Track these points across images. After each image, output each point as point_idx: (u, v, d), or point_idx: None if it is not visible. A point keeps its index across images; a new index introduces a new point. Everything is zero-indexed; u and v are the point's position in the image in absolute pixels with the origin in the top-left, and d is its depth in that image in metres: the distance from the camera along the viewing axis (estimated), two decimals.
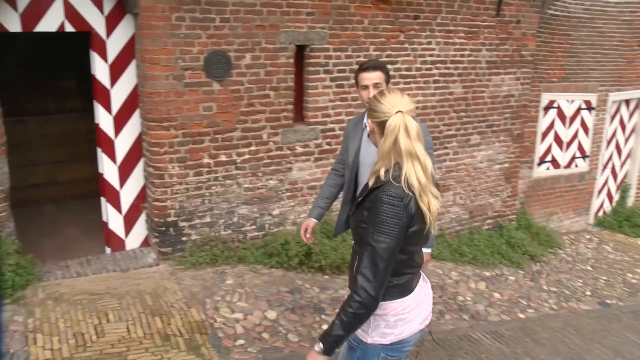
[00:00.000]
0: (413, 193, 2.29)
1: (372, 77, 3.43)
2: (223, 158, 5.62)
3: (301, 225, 3.96)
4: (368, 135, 3.43)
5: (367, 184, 2.47)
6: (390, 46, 6.28)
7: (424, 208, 2.30)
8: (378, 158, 2.38)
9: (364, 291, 2.27)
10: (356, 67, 6.03)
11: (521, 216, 8.43)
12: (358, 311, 2.29)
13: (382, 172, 2.36)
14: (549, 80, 8.54)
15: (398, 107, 2.32)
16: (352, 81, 6.04)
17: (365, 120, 3.56)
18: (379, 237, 2.26)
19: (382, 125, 2.36)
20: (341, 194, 3.86)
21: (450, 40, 6.71)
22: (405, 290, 2.49)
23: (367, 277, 2.27)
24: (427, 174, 2.32)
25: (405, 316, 2.49)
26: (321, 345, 2.35)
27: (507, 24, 7.11)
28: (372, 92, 3.38)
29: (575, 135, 9.14)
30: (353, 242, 2.66)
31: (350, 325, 2.32)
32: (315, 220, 3.84)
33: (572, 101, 8.91)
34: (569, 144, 9.13)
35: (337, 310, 4.98)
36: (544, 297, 6.59)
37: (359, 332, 2.49)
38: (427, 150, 3.53)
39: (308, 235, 3.82)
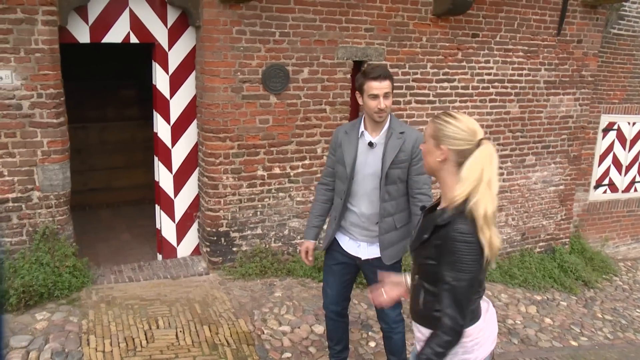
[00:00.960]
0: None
1: (383, 87, 3.32)
2: (277, 171, 5.67)
3: (301, 247, 3.88)
4: (369, 144, 3.43)
5: (427, 218, 2.41)
6: (448, 64, 6.24)
7: (484, 242, 2.20)
8: (461, 190, 2.23)
9: (453, 330, 2.25)
10: (413, 84, 6.06)
11: (575, 240, 8.19)
12: (448, 349, 2.28)
13: (455, 205, 2.25)
14: (609, 102, 8.31)
15: (479, 135, 2.25)
16: (408, 98, 6.08)
17: (362, 129, 3.52)
18: (458, 274, 2.20)
19: (461, 153, 2.25)
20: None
21: (508, 59, 6.62)
22: (476, 315, 2.45)
23: (453, 316, 2.23)
24: (494, 206, 2.21)
25: (480, 339, 2.45)
26: None
27: (568, 43, 6.96)
28: (383, 101, 3.33)
29: (635, 159, 8.85)
30: (414, 275, 2.53)
31: None
32: (314, 242, 3.81)
33: (634, 123, 8.63)
34: (629, 167, 8.84)
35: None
36: (598, 325, 6.37)
37: None
38: (420, 162, 3.47)
39: (310, 258, 3.79)
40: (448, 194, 2.32)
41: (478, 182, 2.19)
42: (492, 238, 2.20)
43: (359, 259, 3.68)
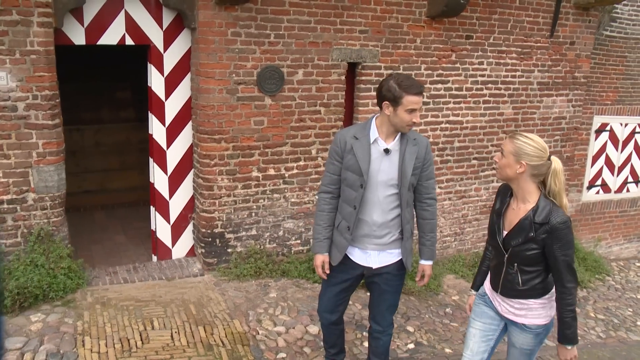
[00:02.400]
0: None
1: (420, 101, 3.30)
2: (272, 172, 5.69)
3: (315, 262, 3.71)
4: (385, 151, 3.43)
5: (522, 219, 2.99)
6: (442, 65, 6.27)
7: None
8: (561, 200, 2.96)
9: (574, 287, 2.94)
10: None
11: None
12: (575, 300, 2.96)
13: (542, 205, 2.95)
14: (602, 103, 8.35)
15: (548, 151, 2.94)
16: None
17: (376, 135, 3.43)
18: (568, 251, 2.91)
19: (536, 167, 2.92)
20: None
21: (502, 61, 6.66)
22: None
23: (572, 279, 2.93)
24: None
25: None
26: (571, 345, 3.01)
27: (561, 45, 7.01)
28: (418, 115, 3.33)
29: (628, 160, 8.90)
30: (510, 264, 3.10)
31: (576, 315, 2.99)
32: (327, 254, 3.67)
33: (626, 124, 8.69)
34: (621, 168, 8.89)
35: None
36: (591, 324, 6.41)
37: (539, 321, 3.12)
38: (430, 167, 3.55)
39: (328, 272, 3.70)
40: (527, 196, 2.99)
41: (563, 189, 2.96)
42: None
43: (370, 268, 3.62)
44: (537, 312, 3.12)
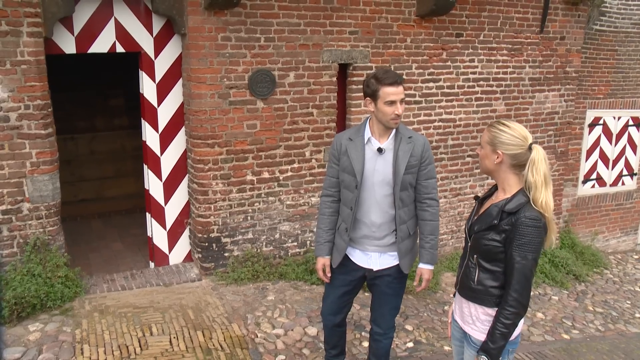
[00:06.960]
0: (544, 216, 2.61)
1: (399, 92, 3.23)
2: (266, 175, 5.70)
3: (316, 265, 3.74)
4: (379, 150, 3.40)
5: (490, 207, 2.73)
6: (433, 64, 6.29)
7: (554, 227, 2.66)
8: (537, 193, 2.59)
9: (519, 303, 2.61)
10: None
11: (565, 235, 8.27)
12: (515, 321, 2.65)
13: (518, 197, 2.65)
14: (594, 97, 8.39)
15: (529, 139, 2.63)
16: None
17: (368, 135, 3.42)
18: (527, 254, 2.58)
19: (515, 156, 2.64)
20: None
21: (492, 58, 6.68)
22: None
23: (520, 291, 2.61)
24: (551, 197, 2.62)
25: None
26: (485, 357, 2.68)
27: (551, 40, 7.04)
28: (400, 107, 3.26)
29: (622, 153, 8.93)
30: (471, 254, 2.83)
31: (509, 334, 2.66)
32: (329, 257, 3.68)
33: (619, 118, 8.72)
34: (616, 161, 8.92)
35: None
36: (589, 318, 6.43)
37: (483, 337, 2.77)
38: (428, 166, 3.47)
39: (328, 275, 3.70)
40: (507, 188, 2.72)
41: (542, 181, 2.59)
42: (551, 223, 2.63)
43: (371, 270, 3.59)
44: (484, 325, 2.79)
